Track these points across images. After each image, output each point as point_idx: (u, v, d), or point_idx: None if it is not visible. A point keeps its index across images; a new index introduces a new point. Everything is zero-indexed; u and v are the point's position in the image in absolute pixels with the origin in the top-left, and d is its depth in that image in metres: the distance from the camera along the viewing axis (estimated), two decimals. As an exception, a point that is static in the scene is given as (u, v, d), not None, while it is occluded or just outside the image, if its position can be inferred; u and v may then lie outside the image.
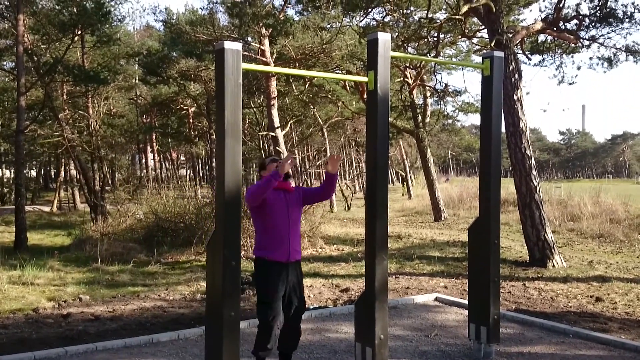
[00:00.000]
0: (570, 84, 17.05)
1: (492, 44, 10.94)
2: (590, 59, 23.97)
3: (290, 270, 4.55)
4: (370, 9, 15.94)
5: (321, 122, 30.26)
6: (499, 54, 5.03)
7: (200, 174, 51.50)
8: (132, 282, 9.69)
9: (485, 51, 11.43)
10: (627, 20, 13.56)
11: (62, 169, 33.71)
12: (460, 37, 18.16)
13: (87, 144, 22.69)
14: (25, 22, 17.98)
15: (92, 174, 21.74)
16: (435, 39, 15.69)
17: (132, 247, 13.07)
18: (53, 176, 45.73)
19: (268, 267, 4.49)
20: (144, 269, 11.00)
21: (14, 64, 18.53)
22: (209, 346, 3.98)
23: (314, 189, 4.79)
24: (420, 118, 22.23)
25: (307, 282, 9.10)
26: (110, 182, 31.24)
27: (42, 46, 21.32)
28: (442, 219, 20.62)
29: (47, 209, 30.10)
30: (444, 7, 18.04)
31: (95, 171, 22.11)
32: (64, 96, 25.37)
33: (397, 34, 16.47)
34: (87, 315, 7.13)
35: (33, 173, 43.64)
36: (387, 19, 18.67)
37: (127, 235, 14.24)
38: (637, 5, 13.54)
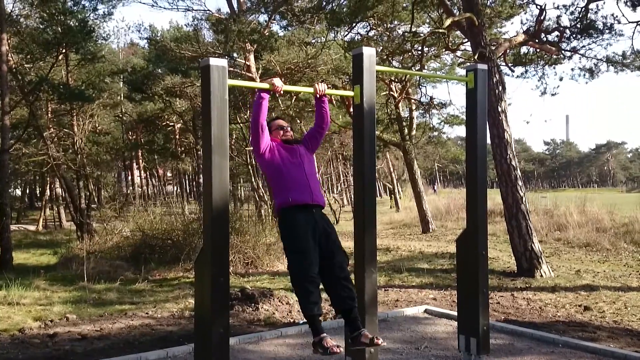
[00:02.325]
0: (552, 94, 17.28)
1: (476, 57, 11.05)
2: (572, 69, 24.33)
3: (317, 217, 4.35)
4: (354, 24, 16.08)
5: (308, 137, 30.24)
6: (482, 66, 5.09)
7: (187, 190, 51.25)
8: (120, 301, 9.60)
9: (469, 64, 11.54)
10: (607, 31, 13.81)
11: (48, 187, 33.43)
12: (444, 50, 18.36)
13: (72, 162, 22.54)
14: (9, 41, 17.90)
15: (78, 192, 21.57)
16: (420, 52, 15.84)
17: (119, 265, 12.95)
18: (38, 195, 45.31)
19: (293, 213, 4.29)
20: (132, 286, 10.90)
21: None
22: (198, 364, 3.94)
23: (311, 128, 4.80)
24: (406, 131, 22.33)
25: (295, 297, 9.06)
26: (96, 199, 31.05)
27: (26, 65, 21.21)
28: (430, 230, 20.66)
29: (32, 227, 29.78)
30: (428, 21, 18.23)
31: (81, 189, 21.95)
32: (49, 114, 25.22)
33: (381, 48, 16.61)
34: (74, 334, 7.04)
35: (18, 192, 43.21)
36: (371, 34, 18.84)
37: (114, 253, 14.12)
38: (617, 16, 13.79)
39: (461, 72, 22.66)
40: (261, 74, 20.39)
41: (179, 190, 49.62)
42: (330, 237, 4.35)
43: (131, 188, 42.48)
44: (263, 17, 19.75)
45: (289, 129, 4.75)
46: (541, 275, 10.38)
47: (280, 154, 4.47)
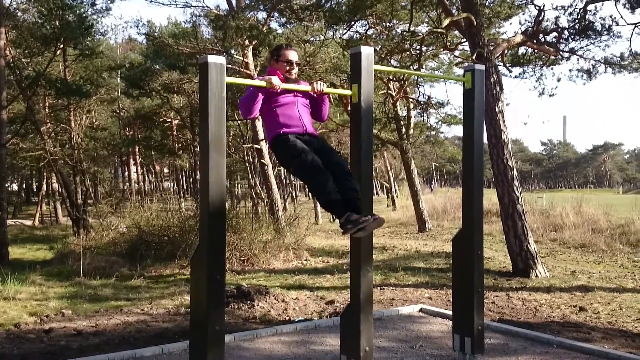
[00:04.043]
0: (550, 95, 17.29)
1: (474, 57, 11.07)
2: (570, 70, 24.29)
3: (311, 138, 4.36)
4: (353, 22, 16.07)
5: (305, 134, 30.24)
6: (480, 67, 5.09)
7: (184, 187, 51.27)
8: (115, 297, 9.60)
9: (467, 64, 11.56)
10: (605, 32, 13.83)
11: (44, 182, 33.39)
12: (442, 49, 18.37)
13: (69, 157, 22.52)
14: (6, 35, 17.85)
15: (75, 187, 21.55)
16: (418, 51, 15.84)
17: (115, 261, 12.94)
18: (35, 190, 45.28)
19: (286, 136, 4.29)
20: (127, 283, 10.90)
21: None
22: (193, 360, 3.95)
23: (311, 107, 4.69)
24: (404, 130, 22.35)
25: (292, 294, 9.08)
26: (92, 195, 30.98)
27: (24, 60, 21.17)
28: (427, 230, 20.69)
29: (28, 222, 29.76)
30: (426, 20, 18.25)
31: (77, 184, 21.91)
32: (46, 109, 25.20)
33: (380, 46, 16.61)
34: (69, 330, 7.05)
35: (15, 187, 43.17)
36: (370, 32, 18.83)
37: (110, 249, 14.11)
38: (615, 18, 13.82)
39: (459, 71, 22.69)
40: (259, 71, 20.39)
41: (175, 186, 49.66)
42: (327, 150, 4.37)
43: (128, 184, 42.43)
44: (262, 15, 19.74)
45: (296, 67, 4.56)
46: (536, 276, 10.41)
47: (274, 94, 4.37)
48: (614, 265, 11.97)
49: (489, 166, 11.62)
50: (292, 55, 4.49)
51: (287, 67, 4.47)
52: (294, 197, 40.25)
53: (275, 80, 4.20)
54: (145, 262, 12.79)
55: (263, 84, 4.20)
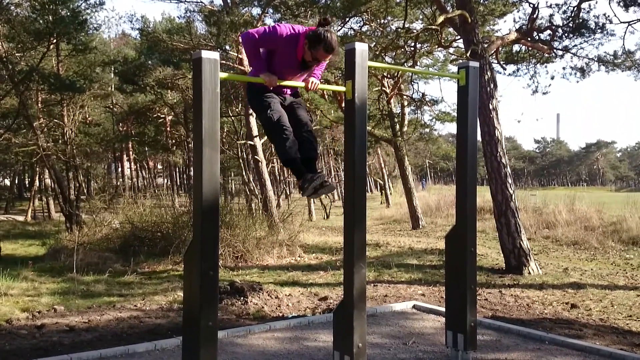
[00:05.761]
0: (544, 93, 17.34)
1: (468, 54, 11.08)
2: (564, 68, 24.42)
3: (286, 97, 4.59)
4: (348, 19, 16.06)
5: (299, 131, 30.18)
6: (474, 64, 5.09)
7: (178, 183, 51.12)
8: (108, 292, 9.58)
9: (461, 61, 11.58)
10: (598, 31, 13.88)
11: (37, 177, 33.22)
12: (436, 47, 18.37)
13: (62, 152, 22.42)
14: (-1, 29, 17.77)
15: (67, 183, 21.46)
16: (412, 48, 15.85)
17: (108, 257, 12.91)
18: (27, 185, 45.06)
19: (263, 88, 4.42)
20: (120, 279, 10.88)
21: (-13, 72, 18.33)
22: (186, 357, 3.94)
23: None
24: (398, 127, 22.36)
25: (285, 290, 9.08)
26: (85, 191, 30.91)
27: (17, 54, 21.03)
28: (420, 227, 20.73)
29: (21, 218, 29.63)
30: (421, 17, 18.26)
31: (70, 180, 21.82)
32: (39, 104, 25.05)
33: (374, 43, 16.60)
34: (61, 326, 7.02)
35: (7, 182, 42.97)
36: (364, 29, 18.83)
37: (103, 244, 14.07)
38: (609, 16, 13.86)
39: (453, 69, 22.70)
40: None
41: (169, 182, 49.47)
42: (295, 102, 4.62)
43: (121, 180, 42.32)
44: (256, 10, 19.68)
45: (324, 65, 4.61)
46: (529, 273, 10.45)
47: (284, 60, 4.38)
48: (606, 263, 12.03)
49: (483, 163, 11.64)
50: (327, 59, 4.44)
51: (316, 61, 4.40)
52: (288, 193, 40.23)
53: (271, 80, 4.28)
54: (138, 258, 12.76)
55: (259, 79, 4.24)
